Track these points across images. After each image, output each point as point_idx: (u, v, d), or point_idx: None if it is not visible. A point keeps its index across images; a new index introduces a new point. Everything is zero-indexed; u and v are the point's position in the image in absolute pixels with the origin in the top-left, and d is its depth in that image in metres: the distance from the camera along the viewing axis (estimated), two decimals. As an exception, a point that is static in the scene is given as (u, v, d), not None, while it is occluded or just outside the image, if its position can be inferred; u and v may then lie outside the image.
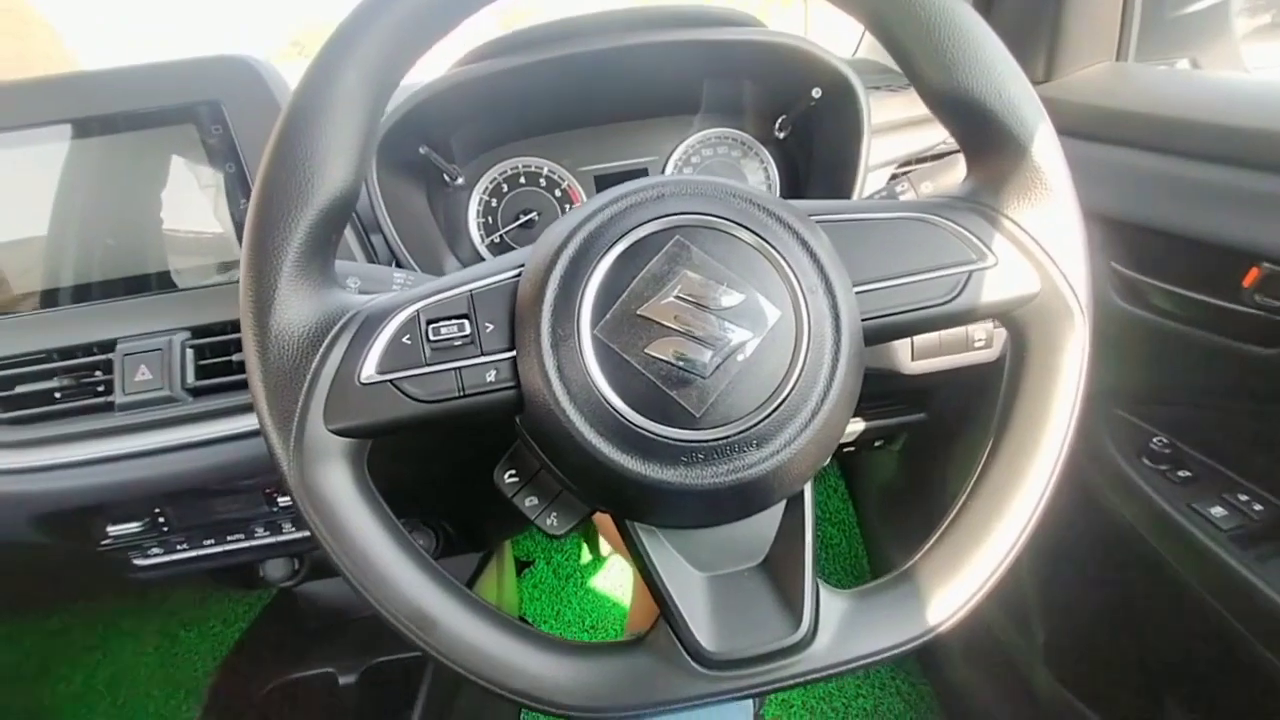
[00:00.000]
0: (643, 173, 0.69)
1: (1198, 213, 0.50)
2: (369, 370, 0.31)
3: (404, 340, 0.31)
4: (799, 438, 0.30)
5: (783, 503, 0.34)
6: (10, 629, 1.23)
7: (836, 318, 0.31)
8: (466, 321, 0.32)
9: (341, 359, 0.31)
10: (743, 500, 0.32)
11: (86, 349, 0.55)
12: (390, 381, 0.31)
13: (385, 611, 0.31)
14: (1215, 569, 0.51)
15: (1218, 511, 0.52)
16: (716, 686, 0.32)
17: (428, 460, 0.70)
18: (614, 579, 1.31)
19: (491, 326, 0.32)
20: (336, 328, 0.31)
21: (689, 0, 0.69)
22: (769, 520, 0.34)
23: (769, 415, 0.30)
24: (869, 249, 0.33)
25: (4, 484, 0.55)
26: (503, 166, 0.68)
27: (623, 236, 0.31)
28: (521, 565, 1.32)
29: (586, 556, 1.35)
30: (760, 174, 0.70)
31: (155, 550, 0.66)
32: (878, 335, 0.33)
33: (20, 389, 0.55)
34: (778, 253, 0.31)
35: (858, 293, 0.32)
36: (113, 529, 0.62)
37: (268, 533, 0.66)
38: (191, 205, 0.56)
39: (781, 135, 0.68)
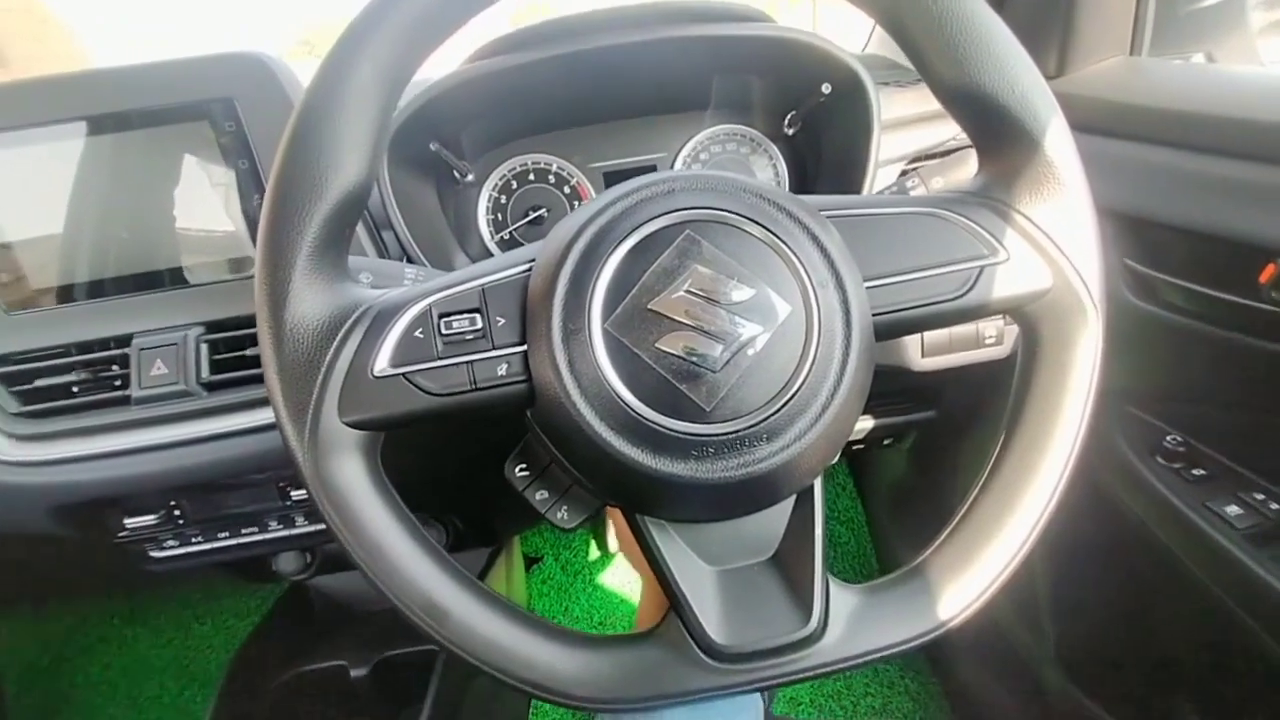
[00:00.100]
0: (651, 169, 0.69)
1: (1213, 208, 0.50)
2: (382, 363, 0.31)
3: (416, 334, 0.32)
4: (809, 432, 0.30)
5: (792, 498, 0.34)
6: (29, 620, 1.25)
7: (847, 312, 0.31)
8: (478, 315, 0.32)
9: (355, 352, 0.31)
10: (753, 494, 0.32)
11: (103, 344, 0.56)
12: (403, 375, 0.31)
13: (399, 602, 0.32)
14: (1229, 568, 0.51)
15: (1232, 510, 0.52)
16: (726, 679, 0.32)
17: (438, 455, 0.71)
18: (622, 575, 1.32)
19: (503, 320, 0.32)
20: (350, 321, 0.32)
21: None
22: (779, 515, 0.34)
23: (779, 410, 0.30)
24: (879, 244, 0.33)
25: (23, 476, 0.56)
26: (512, 163, 0.68)
27: (633, 231, 0.31)
28: (530, 561, 1.33)
29: (595, 553, 1.35)
30: (769, 170, 0.70)
31: (171, 542, 0.67)
32: (889, 330, 0.33)
33: (39, 382, 0.56)
34: (788, 247, 0.31)
35: (868, 288, 0.32)
36: (129, 521, 0.63)
37: (280, 526, 0.67)
38: (205, 202, 0.56)
39: (790, 132, 0.68)
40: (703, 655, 0.32)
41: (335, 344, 0.31)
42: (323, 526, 0.69)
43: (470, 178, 0.67)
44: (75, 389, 0.56)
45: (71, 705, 1.19)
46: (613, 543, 1.32)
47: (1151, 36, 0.65)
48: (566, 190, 0.69)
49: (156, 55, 0.56)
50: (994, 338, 0.65)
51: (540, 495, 0.35)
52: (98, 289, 0.56)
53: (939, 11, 0.32)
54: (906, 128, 0.64)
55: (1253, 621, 0.50)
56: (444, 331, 0.32)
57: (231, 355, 0.57)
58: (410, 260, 0.59)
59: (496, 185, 0.69)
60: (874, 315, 0.32)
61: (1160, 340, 0.57)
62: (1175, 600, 0.60)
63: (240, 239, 0.57)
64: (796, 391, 0.30)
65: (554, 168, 0.68)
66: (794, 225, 0.31)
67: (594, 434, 0.29)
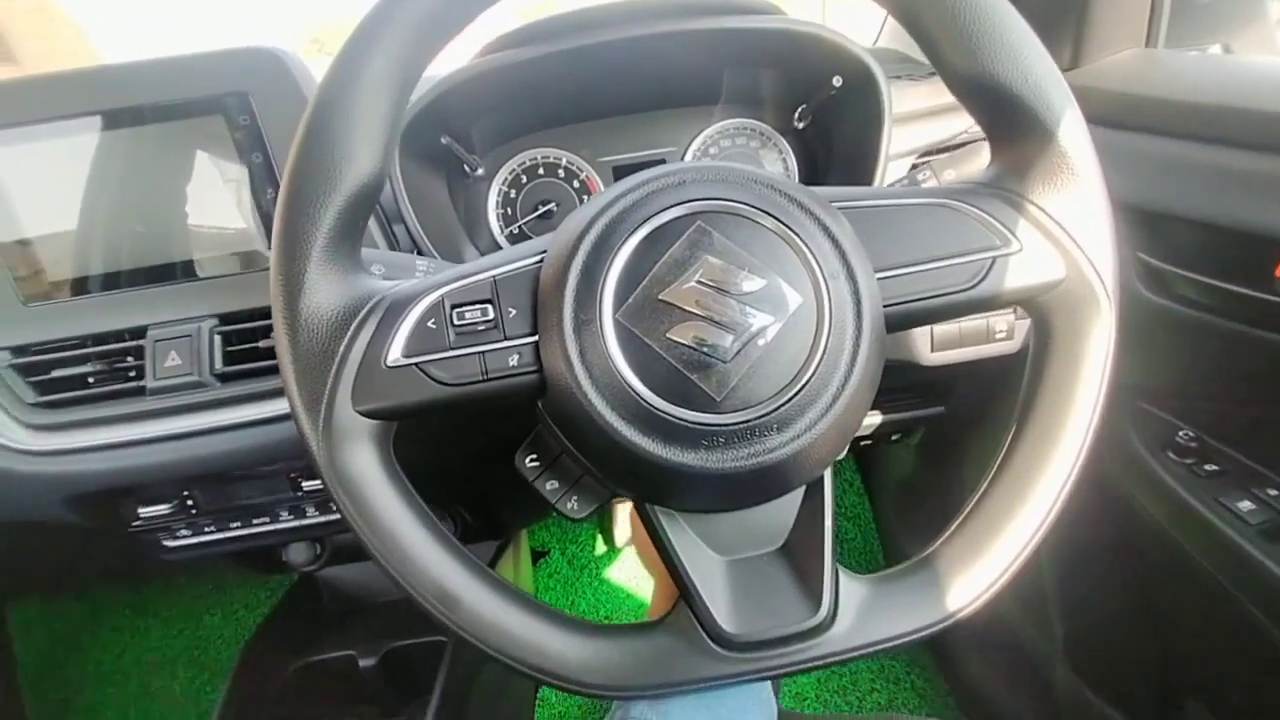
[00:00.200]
0: (661, 164, 0.69)
1: (1229, 201, 0.49)
2: (395, 354, 0.31)
3: (429, 325, 0.32)
4: (819, 423, 0.30)
5: (802, 488, 0.34)
6: (44, 609, 1.27)
7: (858, 303, 0.31)
8: (490, 306, 0.32)
9: (369, 342, 0.32)
10: (763, 484, 0.32)
11: (118, 335, 0.57)
12: (416, 365, 0.32)
13: (411, 589, 0.32)
14: (1242, 564, 0.50)
15: (1245, 506, 0.52)
16: (736, 668, 0.32)
17: (446, 448, 0.71)
18: (628, 570, 1.32)
19: (514, 311, 0.32)
20: (364, 312, 0.32)
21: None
22: (789, 505, 0.34)
23: (790, 400, 0.30)
24: (891, 235, 0.33)
25: (40, 465, 0.57)
26: (522, 158, 0.68)
27: (644, 222, 0.31)
28: (537, 555, 1.33)
29: (601, 548, 1.36)
30: (779, 164, 0.70)
31: (184, 532, 0.67)
32: (900, 322, 0.33)
33: (56, 373, 0.57)
34: (799, 238, 0.31)
35: (879, 279, 0.32)
36: (144, 511, 0.64)
37: (292, 517, 0.67)
38: (219, 196, 0.57)
39: (801, 125, 0.67)
40: (712, 644, 0.32)
41: (349, 334, 0.31)
42: (333, 517, 0.70)
43: (480, 172, 0.67)
44: (91, 380, 0.57)
45: (85, 694, 1.21)
46: (619, 538, 1.33)
47: (1167, 28, 0.64)
48: (576, 184, 0.69)
49: (170, 53, 0.56)
50: (1004, 333, 0.64)
51: (551, 486, 0.35)
52: (113, 281, 0.57)
53: (952, 1, 0.31)
54: (918, 121, 0.64)
55: (1265, 618, 0.50)
56: (456, 322, 0.32)
57: (244, 347, 0.57)
58: (421, 253, 0.59)
59: (506, 179, 0.69)
60: (885, 306, 0.32)
61: (1173, 335, 0.57)
62: (1186, 597, 0.60)
63: (254, 232, 0.57)
64: (807, 382, 0.30)
65: (564, 162, 0.68)
66: (805, 216, 0.31)
67: (605, 424, 0.30)
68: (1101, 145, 0.33)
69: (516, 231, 0.69)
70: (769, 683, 0.53)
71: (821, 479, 0.34)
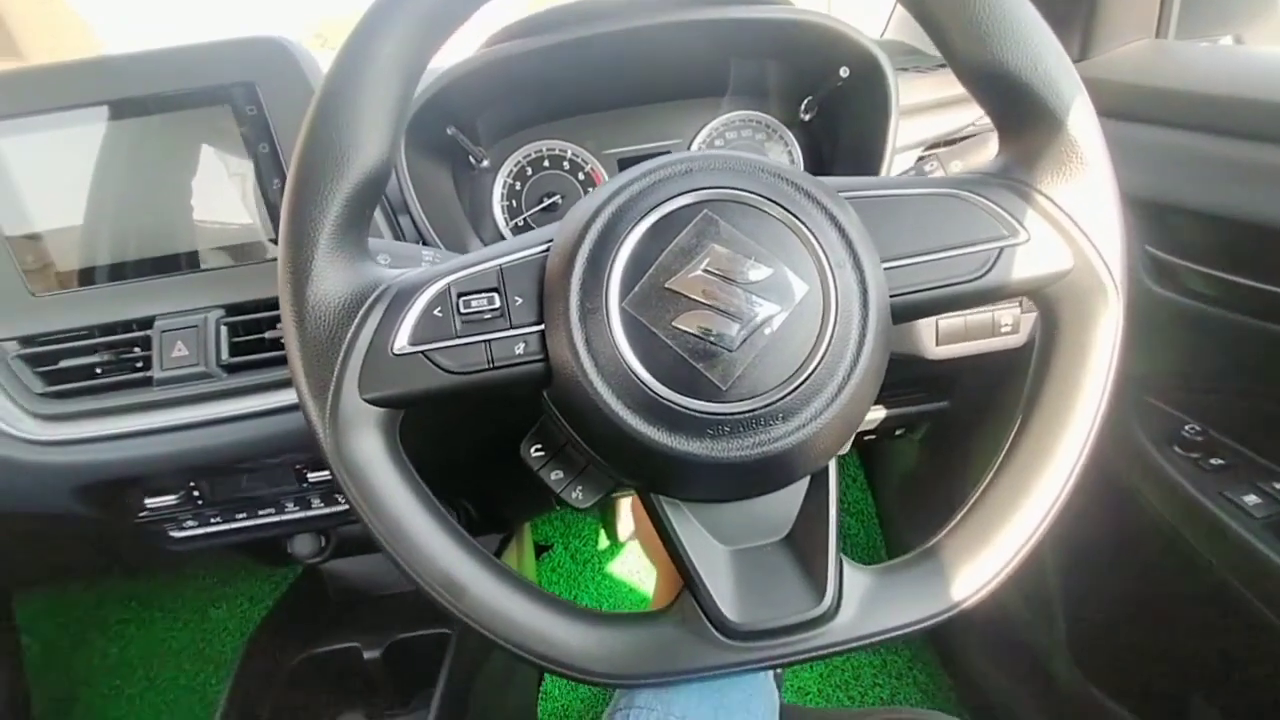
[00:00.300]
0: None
1: (1239, 193, 0.49)
2: (402, 341, 0.32)
3: (435, 313, 0.32)
4: (825, 412, 0.30)
5: (807, 479, 0.34)
6: (51, 602, 1.28)
7: (864, 293, 0.31)
8: (496, 295, 0.32)
9: (375, 330, 0.32)
10: (768, 474, 0.32)
11: (126, 325, 0.57)
12: (422, 352, 0.32)
13: (417, 576, 0.32)
14: (1247, 558, 0.50)
15: (1251, 500, 0.51)
16: (739, 657, 0.32)
17: (450, 439, 0.71)
18: (631, 564, 1.32)
19: (521, 300, 0.32)
20: (370, 300, 0.32)
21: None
22: (793, 496, 0.34)
23: (795, 389, 0.30)
24: (898, 225, 0.33)
25: (49, 455, 0.57)
26: (527, 150, 0.68)
27: (651, 211, 0.31)
28: (540, 549, 1.34)
29: (604, 542, 1.36)
30: (784, 157, 0.70)
31: (190, 523, 0.68)
32: (906, 312, 0.33)
33: (64, 363, 0.57)
34: (805, 227, 0.31)
35: (886, 269, 0.32)
36: (150, 501, 0.64)
37: (297, 508, 0.68)
38: (224, 187, 0.57)
39: (807, 117, 0.67)
40: (716, 633, 0.32)
41: (356, 322, 0.31)
42: (338, 508, 0.70)
43: (486, 163, 0.67)
44: (98, 370, 0.57)
45: (91, 686, 1.22)
46: (622, 533, 1.33)
47: (1178, 18, 0.63)
48: (581, 177, 0.69)
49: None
50: (1010, 326, 0.64)
51: (556, 475, 0.36)
52: (120, 272, 0.57)
53: None
54: (925, 113, 0.64)
55: (1270, 612, 0.50)
56: (462, 310, 0.32)
57: (250, 338, 0.57)
58: (426, 244, 0.59)
59: (511, 171, 0.69)
60: (892, 296, 0.32)
61: (1180, 328, 0.56)
62: (1191, 591, 0.60)
63: (261, 222, 0.58)
64: (813, 372, 0.30)
65: (569, 154, 0.68)
66: (812, 205, 0.31)
67: (610, 413, 0.30)
68: (1111, 138, 0.33)
69: (521, 223, 0.69)
70: (772, 678, 0.53)
71: (826, 469, 0.34)
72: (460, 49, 0.57)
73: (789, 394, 0.30)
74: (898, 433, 0.91)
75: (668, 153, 0.69)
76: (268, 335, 0.57)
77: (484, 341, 0.32)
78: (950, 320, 0.64)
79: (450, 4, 0.32)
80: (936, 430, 0.98)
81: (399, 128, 0.33)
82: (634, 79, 0.65)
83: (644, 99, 0.68)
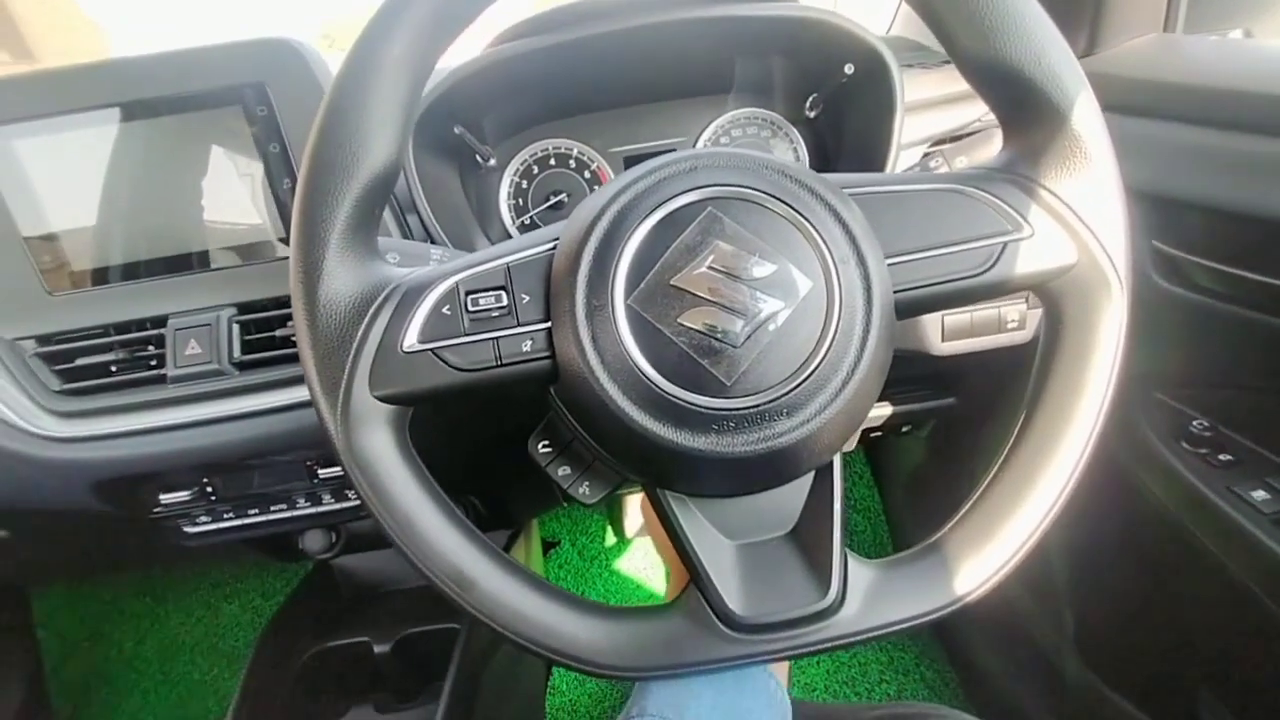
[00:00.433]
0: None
1: (1247, 187, 0.48)
2: (411, 339, 0.32)
3: (444, 311, 0.32)
4: (829, 407, 0.30)
5: (812, 473, 0.35)
6: (68, 597, 1.31)
7: (868, 288, 0.31)
8: (504, 293, 0.33)
9: (385, 328, 0.32)
10: (773, 469, 0.32)
11: (140, 324, 0.58)
12: (431, 350, 0.32)
13: (427, 570, 0.32)
14: (1255, 553, 0.50)
15: (1259, 495, 0.51)
16: (745, 650, 0.33)
17: (458, 436, 0.72)
18: (638, 561, 1.33)
19: (528, 298, 0.32)
20: (380, 298, 0.32)
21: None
22: (798, 490, 0.35)
23: (800, 385, 0.30)
24: (902, 220, 0.33)
25: (66, 451, 0.58)
26: (533, 148, 0.69)
27: (656, 208, 0.31)
28: (547, 546, 1.34)
29: (611, 538, 1.37)
30: (789, 154, 0.70)
31: (204, 519, 0.69)
32: (910, 307, 0.33)
33: (79, 361, 0.58)
34: (810, 224, 0.31)
35: (890, 264, 0.32)
36: (165, 497, 0.66)
37: (308, 504, 0.69)
38: (235, 187, 0.58)
39: (812, 114, 0.67)
40: (722, 626, 0.33)
41: (366, 320, 0.32)
42: (348, 504, 0.71)
43: (492, 162, 0.67)
44: (113, 368, 0.58)
45: (106, 679, 1.24)
46: (629, 529, 1.33)
47: (1186, 12, 0.63)
48: (587, 175, 0.69)
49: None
50: (1016, 322, 0.64)
51: (563, 471, 0.36)
52: (133, 272, 0.58)
53: None
54: (930, 110, 0.64)
55: (1278, 608, 0.50)
56: (470, 308, 0.32)
57: (262, 336, 0.58)
58: (434, 243, 0.60)
59: (518, 170, 0.69)
60: (896, 292, 0.32)
61: (1188, 323, 0.56)
62: (1198, 586, 0.60)
63: (270, 223, 0.58)
64: (817, 367, 0.30)
65: (575, 152, 0.69)
66: (816, 202, 0.32)
67: (617, 409, 0.30)
68: (1117, 133, 0.33)
69: (528, 222, 0.70)
70: (783, 686, 0.53)
71: (831, 464, 0.34)
72: (467, 49, 0.57)
73: (793, 389, 0.30)
74: (904, 430, 0.91)
75: (673, 150, 0.69)
76: (278, 333, 0.58)
77: (492, 339, 0.32)
78: (956, 316, 0.64)
79: (457, 5, 0.33)
80: (943, 427, 0.98)
81: (407, 128, 0.33)
82: (639, 77, 0.65)
83: (649, 97, 0.68)
